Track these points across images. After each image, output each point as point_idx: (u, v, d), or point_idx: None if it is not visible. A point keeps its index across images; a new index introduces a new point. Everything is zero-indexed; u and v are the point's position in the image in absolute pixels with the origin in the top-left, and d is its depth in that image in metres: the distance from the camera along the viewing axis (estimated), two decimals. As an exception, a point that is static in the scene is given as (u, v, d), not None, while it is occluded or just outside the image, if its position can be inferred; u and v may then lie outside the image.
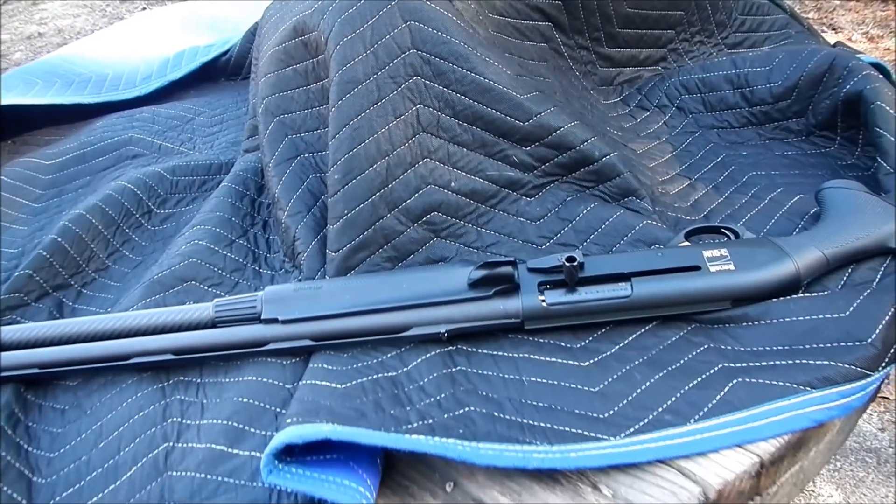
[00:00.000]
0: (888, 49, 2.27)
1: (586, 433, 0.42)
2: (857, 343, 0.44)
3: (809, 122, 0.65)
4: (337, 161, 0.57)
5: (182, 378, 0.51)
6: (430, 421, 0.44)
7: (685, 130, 0.70)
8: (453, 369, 0.48)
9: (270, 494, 0.43)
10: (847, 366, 0.43)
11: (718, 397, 0.43)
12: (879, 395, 1.28)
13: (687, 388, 0.44)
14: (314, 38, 0.63)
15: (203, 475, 0.44)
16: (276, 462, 0.40)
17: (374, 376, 0.48)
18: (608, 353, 0.48)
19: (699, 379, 0.45)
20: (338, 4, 0.60)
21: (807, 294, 0.49)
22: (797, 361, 0.44)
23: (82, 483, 0.45)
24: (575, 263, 0.48)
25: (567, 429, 0.43)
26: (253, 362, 0.51)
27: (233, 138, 0.81)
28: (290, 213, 0.60)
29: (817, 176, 0.60)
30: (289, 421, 0.42)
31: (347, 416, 0.43)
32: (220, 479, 0.44)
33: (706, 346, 0.47)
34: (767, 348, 0.46)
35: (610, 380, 0.46)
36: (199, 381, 0.51)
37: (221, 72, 1.00)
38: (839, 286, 0.49)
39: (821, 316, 0.46)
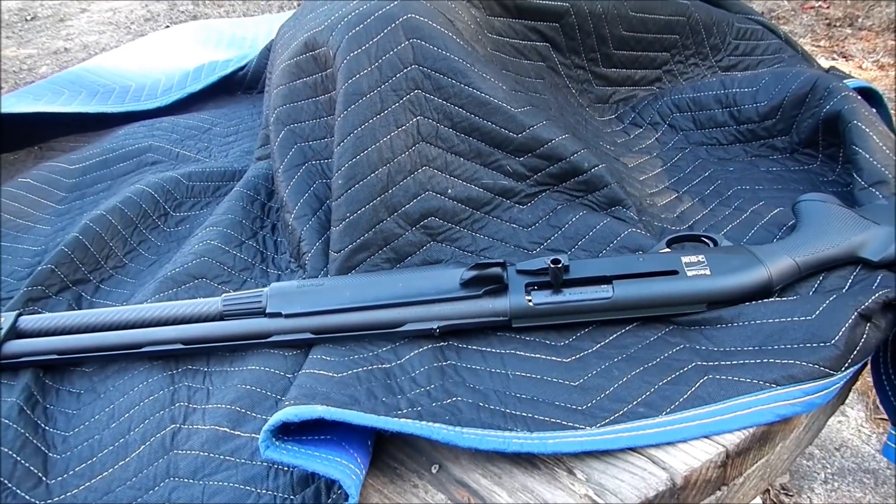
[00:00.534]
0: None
1: (564, 423, 0.45)
2: (822, 344, 0.46)
3: (793, 140, 0.68)
4: (341, 167, 0.60)
5: (190, 366, 0.55)
6: (419, 408, 0.47)
7: (676, 146, 0.73)
8: (444, 363, 0.51)
9: (268, 472, 0.46)
10: (811, 365, 0.45)
11: (690, 392, 0.46)
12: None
13: (661, 383, 0.47)
14: (323, 53, 0.66)
15: (206, 454, 0.47)
16: (274, 440, 0.43)
17: (369, 367, 0.51)
18: (589, 350, 0.51)
19: (673, 375, 0.47)
20: (346, 22, 0.64)
21: (778, 298, 0.51)
22: (765, 360, 0.47)
23: (94, 459, 0.49)
24: (560, 266, 0.51)
25: (547, 418, 0.46)
26: (257, 353, 0.54)
27: (247, 147, 0.84)
28: (296, 216, 0.64)
29: (799, 191, 0.62)
30: (287, 403, 0.45)
31: (342, 401, 0.46)
32: (222, 457, 0.47)
33: (682, 346, 0.50)
34: (738, 348, 0.48)
35: (590, 375, 0.49)
36: (206, 369, 0.54)
37: (238, 85, 1.04)
38: (810, 292, 0.52)
39: (789, 318, 0.48)
